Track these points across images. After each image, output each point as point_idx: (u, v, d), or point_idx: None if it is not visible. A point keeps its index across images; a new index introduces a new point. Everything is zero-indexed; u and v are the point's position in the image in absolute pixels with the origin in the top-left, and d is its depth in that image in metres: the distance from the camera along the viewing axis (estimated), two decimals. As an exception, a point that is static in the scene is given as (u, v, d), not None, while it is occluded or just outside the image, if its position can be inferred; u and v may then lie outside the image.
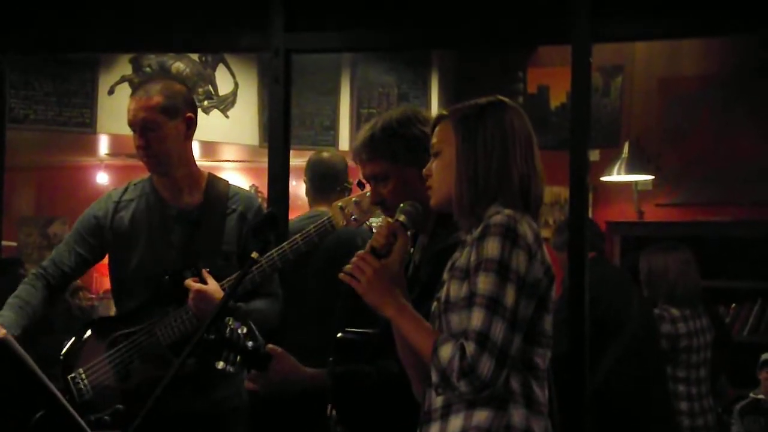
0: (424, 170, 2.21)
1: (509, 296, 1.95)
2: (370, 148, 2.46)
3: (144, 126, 3.00)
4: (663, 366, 4.28)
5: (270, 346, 2.42)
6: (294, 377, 2.43)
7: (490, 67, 6.80)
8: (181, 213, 3.10)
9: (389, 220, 2.24)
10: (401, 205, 2.26)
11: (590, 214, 6.11)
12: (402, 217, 2.21)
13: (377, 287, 2.09)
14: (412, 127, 2.44)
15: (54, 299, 3.15)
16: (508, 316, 1.94)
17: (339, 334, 2.54)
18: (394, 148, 2.42)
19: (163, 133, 3.00)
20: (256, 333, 2.37)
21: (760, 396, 5.07)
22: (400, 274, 2.16)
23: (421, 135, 2.40)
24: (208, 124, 6.12)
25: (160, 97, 3.01)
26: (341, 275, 2.12)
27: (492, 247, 1.98)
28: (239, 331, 2.33)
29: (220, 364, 2.30)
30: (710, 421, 4.38)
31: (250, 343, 2.34)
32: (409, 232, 2.26)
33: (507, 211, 2.02)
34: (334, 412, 2.45)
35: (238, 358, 2.32)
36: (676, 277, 4.38)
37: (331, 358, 2.47)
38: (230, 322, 2.34)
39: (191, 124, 3.09)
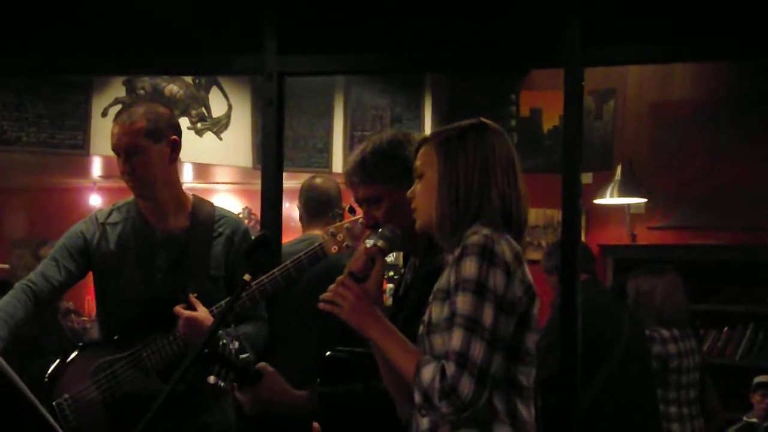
0: (408, 193, 2.23)
1: (487, 315, 1.95)
2: (362, 171, 2.46)
3: (128, 150, 2.98)
4: (654, 388, 4.28)
5: (261, 364, 2.43)
6: (282, 397, 2.43)
7: (483, 90, 6.83)
8: (167, 237, 3.08)
9: (367, 245, 2.24)
10: (380, 230, 2.27)
11: (583, 237, 6.13)
12: (380, 242, 2.23)
13: (360, 310, 2.10)
14: (403, 150, 2.45)
15: (40, 312, 3.09)
16: (487, 336, 1.94)
17: (329, 353, 2.53)
18: (386, 170, 2.43)
19: (147, 157, 2.99)
20: (247, 349, 2.38)
21: (753, 419, 5.07)
22: (378, 296, 2.17)
23: (413, 157, 2.41)
24: (202, 147, 6.13)
25: (143, 121, 2.99)
26: (320, 305, 2.13)
27: (469, 267, 1.98)
28: (231, 346, 2.33)
29: (212, 379, 2.31)
30: None
31: (241, 359, 2.34)
32: (401, 254, 2.27)
33: (484, 231, 2.02)
34: None
35: (230, 373, 2.32)
36: (663, 299, 4.43)
37: (318, 378, 2.47)
38: (223, 338, 2.34)
39: (176, 147, 3.07)
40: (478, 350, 1.93)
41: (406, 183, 2.39)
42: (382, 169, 2.43)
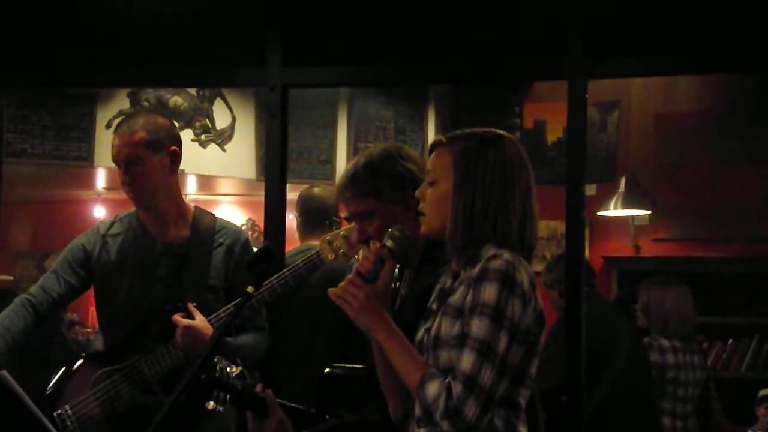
0: (416, 192, 2.20)
1: (502, 343, 1.97)
2: (354, 187, 2.45)
3: (128, 162, 3.01)
4: (654, 401, 4.27)
5: (268, 391, 2.42)
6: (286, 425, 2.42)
7: (487, 102, 6.83)
8: (167, 247, 3.10)
9: (376, 245, 2.23)
10: (389, 230, 2.24)
11: (587, 249, 6.12)
12: (389, 242, 2.19)
13: (369, 311, 2.09)
14: (395, 164, 2.43)
15: (40, 326, 3.09)
16: (498, 363, 1.96)
17: (326, 369, 2.53)
18: (378, 186, 2.41)
19: (147, 168, 3.01)
20: (245, 373, 2.37)
21: (758, 432, 5.04)
22: (386, 298, 2.16)
23: (405, 172, 2.41)
24: (205, 158, 6.13)
25: (143, 132, 3.01)
26: (332, 295, 2.11)
27: (489, 293, 1.99)
28: (228, 369, 2.32)
29: (211, 404, 2.30)
30: None
31: (240, 383, 2.33)
32: (397, 265, 2.25)
33: (506, 256, 2.02)
34: None
35: (228, 397, 2.31)
36: (670, 309, 4.43)
37: (317, 394, 2.46)
38: (219, 362, 2.33)
39: (176, 158, 3.09)
40: (488, 376, 1.95)
41: (398, 198, 2.39)
42: (374, 184, 2.42)
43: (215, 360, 2.35)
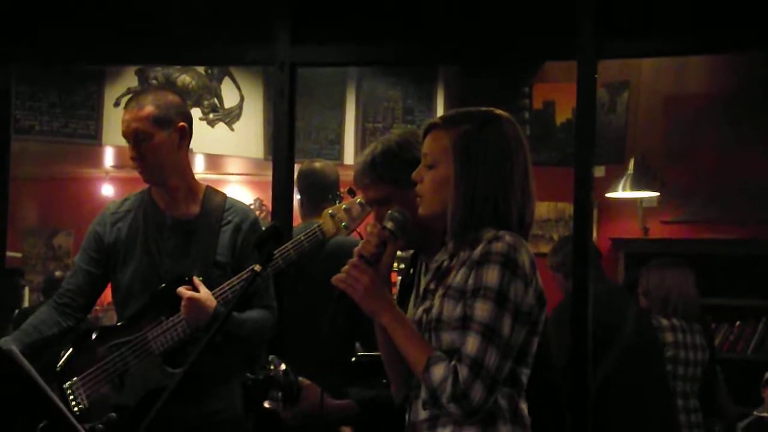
0: (413, 174, 2.19)
1: (506, 326, 1.98)
2: (372, 173, 2.44)
3: (137, 137, 3.02)
4: (666, 383, 4.27)
5: (301, 379, 2.44)
6: (321, 407, 2.45)
7: (496, 83, 6.81)
8: (176, 222, 3.11)
9: (377, 227, 2.22)
10: (389, 211, 2.23)
11: (595, 231, 6.12)
12: (390, 224, 2.18)
13: (372, 295, 2.09)
14: (413, 150, 2.41)
15: (75, 321, 3.15)
16: (503, 345, 1.97)
17: (353, 358, 2.55)
18: (396, 172, 2.39)
19: (155, 144, 3.02)
20: (290, 370, 2.41)
21: (764, 414, 5.04)
22: (388, 281, 2.16)
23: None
24: (214, 137, 6.14)
25: (152, 107, 3.03)
26: (335, 281, 2.12)
27: (492, 276, 1.99)
28: (280, 368, 2.35)
29: (267, 404, 2.33)
30: None
31: (290, 379, 2.36)
32: (409, 252, 2.24)
33: (507, 238, 2.02)
34: None
35: (280, 394, 2.34)
36: (670, 287, 4.44)
37: (348, 382, 2.48)
38: (273, 360, 2.36)
39: (185, 134, 3.10)
40: (493, 359, 1.96)
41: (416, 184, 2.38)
42: (392, 170, 2.40)
43: (269, 359, 2.38)
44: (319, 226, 3.05)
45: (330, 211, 3.06)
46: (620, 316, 4.19)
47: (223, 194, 3.22)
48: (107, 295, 3.44)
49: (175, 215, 3.12)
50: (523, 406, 2.08)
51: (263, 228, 2.86)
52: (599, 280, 4.17)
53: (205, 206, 3.12)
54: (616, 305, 4.21)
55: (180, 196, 3.12)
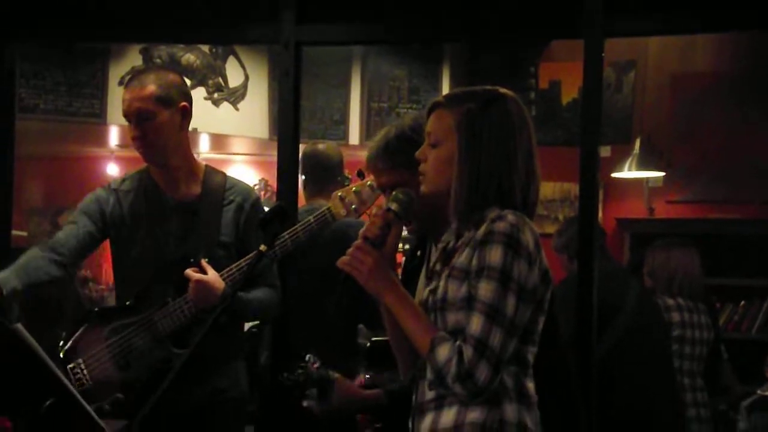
0: (417, 153, 2.19)
1: (510, 306, 1.98)
2: (386, 157, 2.43)
3: (138, 116, 3.01)
4: (670, 364, 4.27)
5: (330, 372, 2.46)
6: (352, 399, 2.45)
7: (502, 62, 6.77)
8: (178, 203, 3.11)
9: (382, 208, 2.22)
10: (393, 192, 2.23)
11: (600, 211, 6.10)
12: (394, 206, 2.18)
13: (378, 276, 2.10)
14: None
15: (62, 274, 3.11)
16: (507, 325, 1.98)
17: (368, 343, 2.55)
18: (410, 156, 2.39)
19: (157, 123, 3.01)
20: (322, 364, 2.42)
21: (768, 393, 5.06)
22: (393, 262, 2.17)
23: None
24: (218, 117, 6.12)
25: (153, 86, 3.02)
26: (340, 263, 2.12)
27: (495, 255, 1.99)
28: (315, 365, 2.36)
29: (306, 402, 2.34)
30: (704, 415, 4.41)
31: (324, 374, 2.38)
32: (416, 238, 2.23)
33: (510, 217, 2.02)
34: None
35: (315, 391, 2.35)
36: (675, 267, 4.46)
37: (366, 365, 2.50)
38: (310, 359, 2.37)
39: (186, 114, 3.09)
40: (498, 339, 1.96)
41: None
42: (407, 155, 2.38)
43: (306, 358, 2.39)
44: (328, 208, 3.05)
45: (340, 194, 3.06)
46: (620, 294, 4.19)
47: (223, 173, 3.21)
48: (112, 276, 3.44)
49: (177, 196, 3.12)
50: (530, 385, 2.09)
51: (267, 209, 2.86)
52: (604, 260, 4.17)
53: (206, 186, 3.12)
54: (618, 286, 4.21)
55: (181, 177, 3.12)
